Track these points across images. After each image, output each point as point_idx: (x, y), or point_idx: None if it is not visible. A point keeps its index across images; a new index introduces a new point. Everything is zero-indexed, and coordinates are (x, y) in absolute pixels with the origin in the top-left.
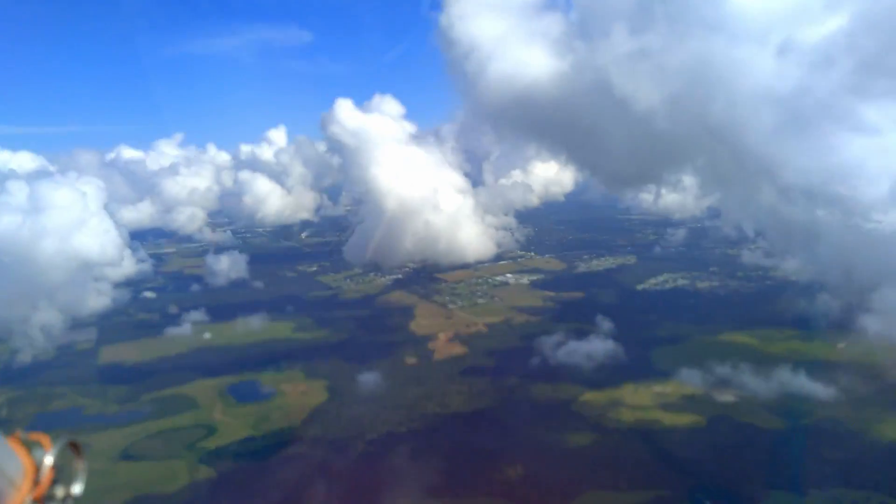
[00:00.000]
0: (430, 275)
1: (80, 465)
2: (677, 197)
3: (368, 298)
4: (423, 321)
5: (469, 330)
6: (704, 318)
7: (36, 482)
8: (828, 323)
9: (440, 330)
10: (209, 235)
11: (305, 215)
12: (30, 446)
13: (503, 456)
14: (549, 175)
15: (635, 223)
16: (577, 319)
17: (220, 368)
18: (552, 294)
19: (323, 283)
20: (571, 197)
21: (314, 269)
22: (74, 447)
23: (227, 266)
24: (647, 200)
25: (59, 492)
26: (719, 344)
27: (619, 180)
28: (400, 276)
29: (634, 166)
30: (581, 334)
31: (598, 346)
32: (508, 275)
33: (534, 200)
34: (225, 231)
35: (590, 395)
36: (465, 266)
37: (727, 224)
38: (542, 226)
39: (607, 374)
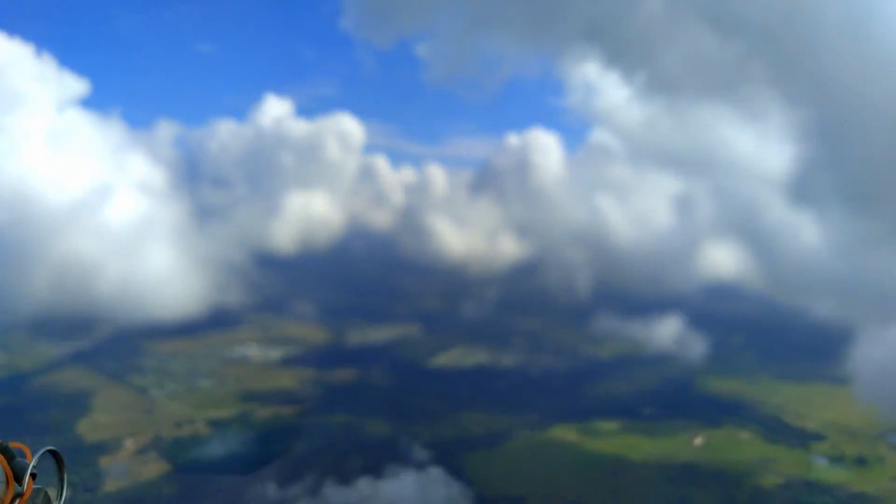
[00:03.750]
0: (132, 343)
1: (62, 474)
2: (473, 243)
3: (17, 380)
4: (103, 417)
5: (178, 432)
6: (522, 406)
7: (18, 491)
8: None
9: (129, 432)
10: None
11: None
12: (10, 454)
13: None
14: (312, 211)
15: (422, 282)
16: (352, 411)
17: None
18: (312, 373)
19: None
20: (340, 246)
21: None
22: (55, 456)
23: None
24: (434, 249)
25: (43, 499)
26: (551, 444)
27: None
28: (83, 342)
29: None
30: (353, 434)
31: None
32: (253, 345)
33: (292, 247)
34: None
35: None
36: (185, 332)
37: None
38: (299, 280)
39: None
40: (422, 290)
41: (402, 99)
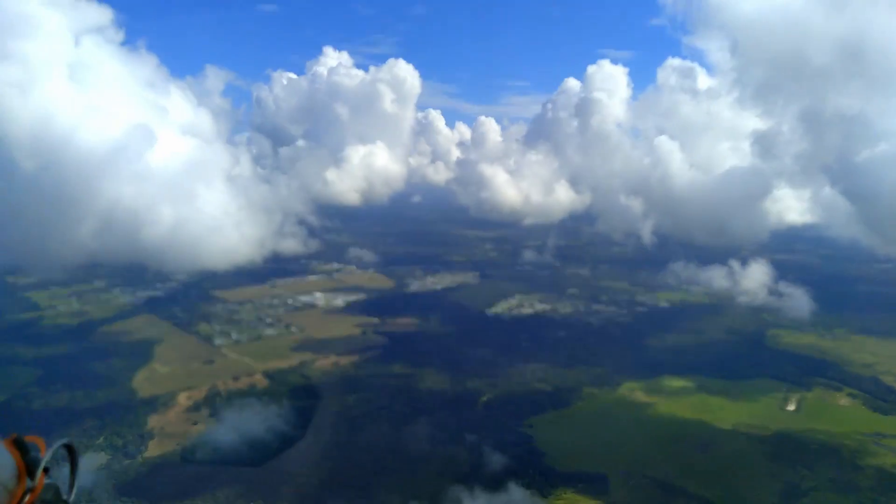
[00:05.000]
0: (204, 291)
1: (75, 468)
2: (529, 193)
3: (86, 327)
4: (161, 368)
5: (236, 385)
6: (586, 358)
7: (30, 486)
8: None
9: (184, 386)
10: None
11: None
12: (25, 448)
13: None
14: (376, 164)
15: (479, 233)
16: (411, 361)
17: None
18: (375, 321)
19: (29, 302)
20: (399, 198)
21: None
22: (69, 450)
23: None
24: (491, 200)
25: (54, 494)
26: (621, 405)
27: None
28: (158, 292)
29: None
30: (414, 395)
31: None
32: (317, 294)
33: (353, 198)
34: None
35: None
36: (256, 280)
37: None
38: (363, 232)
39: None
40: (479, 241)
41: (458, 58)
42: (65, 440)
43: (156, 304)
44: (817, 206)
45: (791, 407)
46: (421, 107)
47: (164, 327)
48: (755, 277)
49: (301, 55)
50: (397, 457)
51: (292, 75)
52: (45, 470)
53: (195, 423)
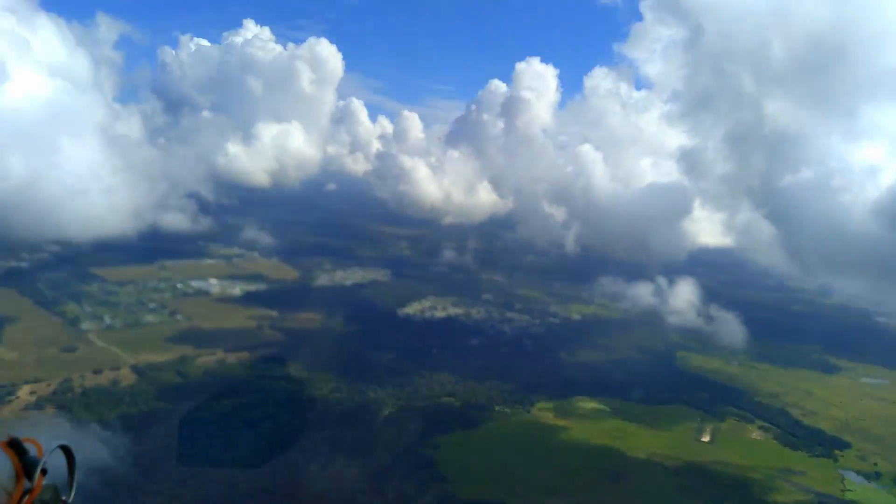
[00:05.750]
0: (81, 267)
1: (73, 469)
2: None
3: None
4: (7, 354)
5: (95, 380)
6: (498, 372)
7: (27, 488)
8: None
9: (31, 377)
10: None
11: None
12: (21, 450)
13: None
14: (290, 145)
15: (395, 230)
16: (308, 363)
17: None
18: (273, 315)
19: None
20: (312, 185)
21: None
22: (66, 452)
23: None
24: (410, 197)
25: (53, 494)
26: (534, 427)
27: None
28: (23, 262)
29: None
30: (306, 404)
31: (343, 438)
32: (212, 280)
33: (262, 179)
34: None
35: None
36: (143, 259)
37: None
38: (270, 217)
39: None
40: (395, 237)
41: (386, 52)
42: (62, 442)
43: (18, 277)
44: (733, 229)
45: (705, 438)
46: (343, 97)
47: (23, 304)
48: (667, 296)
49: (220, 28)
50: (268, 484)
51: (204, 42)
52: (43, 472)
53: (32, 425)
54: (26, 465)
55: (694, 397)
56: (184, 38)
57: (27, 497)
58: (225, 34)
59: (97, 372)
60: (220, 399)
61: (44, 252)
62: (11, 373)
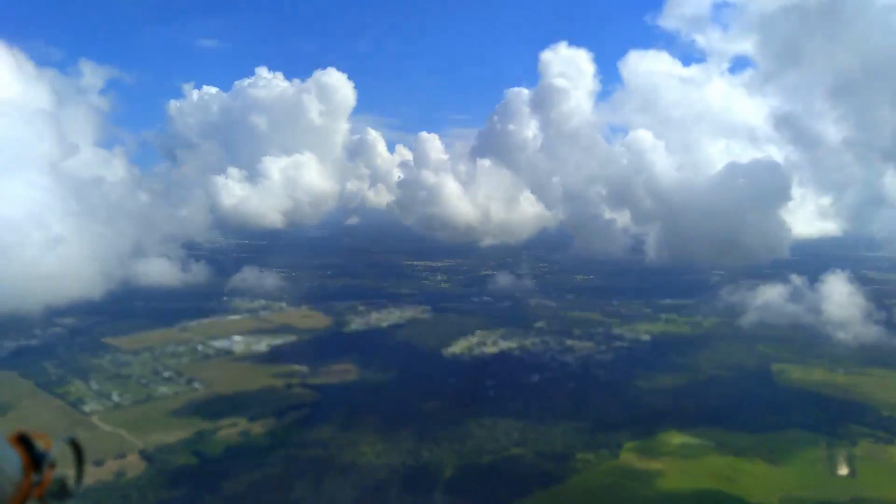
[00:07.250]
0: (94, 339)
1: (81, 464)
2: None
3: None
4: None
5: (96, 473)
6: (570, 411)
7: (36, 481)
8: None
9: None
10: None
11: None
12: (30, 444)
13: None
14: (304, 180)
15: (428, 262)
16: (346, 424)
17: None
18: (304, 370)
19: None
20: (333, 221)
21: None
22: (75, 446)
23: None
24: (441, 220)
25: (61, 487)
26: (627, 475)
27: None
28: (34, 340)
29: None
30: (347, 474)
31: None
32: (236, 337)
33: (276, 220)
34: None
35: None
36: (164, 321)
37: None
38: (292, 261)
39: None
40: (430, 269)
41: (402, 93)
42: (69, 436)
43: (23, 357)
44: (842, 213)
45: (842, 470)
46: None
47: (22, 388)
48: (747, 302)
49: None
50: None
51: (212, 89)
52: (52, 465)
53: None
54: (35, 458)
55: (808, 418)
56: (185, 87)
57: (36, 489)
58: (236, 83)
59: (98, 464)
60: (242, 479)
61: (56, 326)
62: None
